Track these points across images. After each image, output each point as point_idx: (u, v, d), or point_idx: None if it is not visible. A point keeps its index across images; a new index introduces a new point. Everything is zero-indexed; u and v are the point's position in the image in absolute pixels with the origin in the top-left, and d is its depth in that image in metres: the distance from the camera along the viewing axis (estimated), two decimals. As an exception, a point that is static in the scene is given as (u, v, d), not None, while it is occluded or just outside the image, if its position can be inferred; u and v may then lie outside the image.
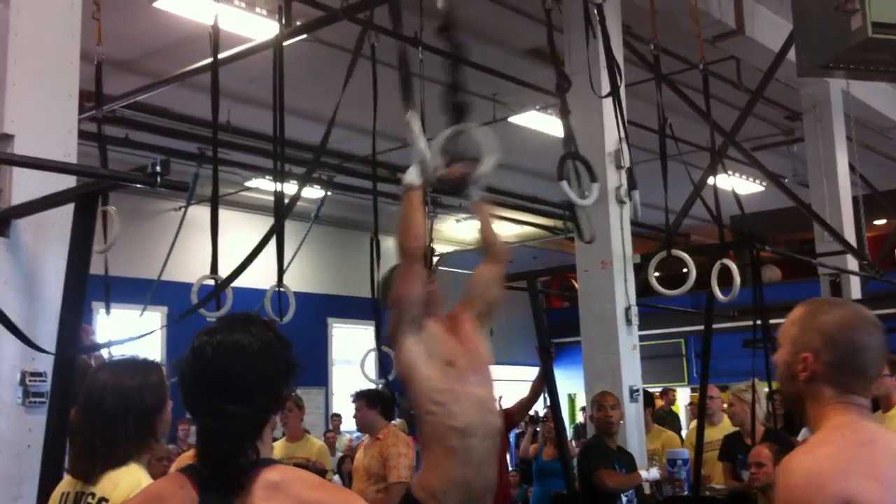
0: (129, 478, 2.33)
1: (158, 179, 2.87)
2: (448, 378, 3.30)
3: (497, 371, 7.50)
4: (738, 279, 5.76)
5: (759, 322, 5.90)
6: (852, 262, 8.94)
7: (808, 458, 1.90)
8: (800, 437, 7.82)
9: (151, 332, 4.49)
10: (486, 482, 3.33)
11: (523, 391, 6.86)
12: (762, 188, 13.53)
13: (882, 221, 14.83)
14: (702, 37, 6.61)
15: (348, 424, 13.22)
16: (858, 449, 1.90)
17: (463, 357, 3.39)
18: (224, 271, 5.29)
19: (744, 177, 13.23)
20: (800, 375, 2.01)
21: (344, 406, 14.17)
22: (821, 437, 1.96)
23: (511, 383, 12.02)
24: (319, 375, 15.19)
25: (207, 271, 5.36)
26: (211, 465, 1.83)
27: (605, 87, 6.30)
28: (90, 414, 2.39)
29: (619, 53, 6.52)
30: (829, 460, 1.87)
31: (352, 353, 15.51)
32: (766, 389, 6.30)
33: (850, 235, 9.22)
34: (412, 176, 3.30)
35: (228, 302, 5.30)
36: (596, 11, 5.42)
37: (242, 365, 1.84)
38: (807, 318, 2.06)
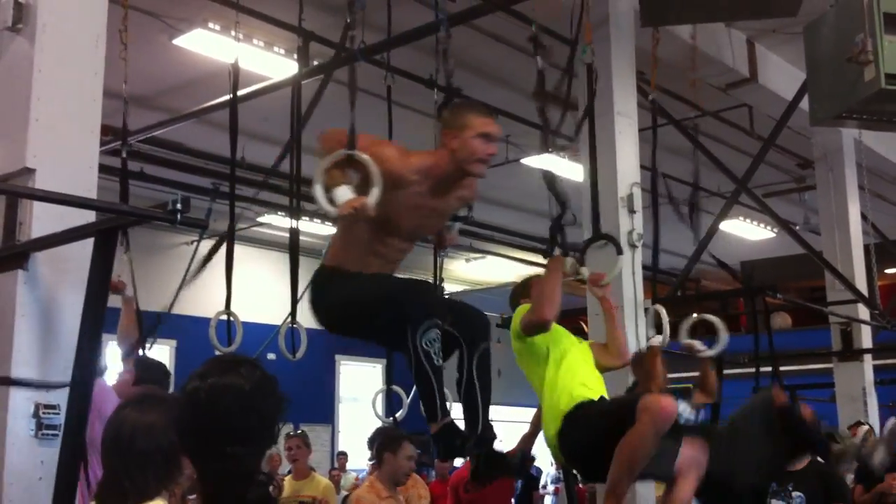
0: None
1: (179, 216, 2.89)
2: None
3: (502, 412, 7.47)
4: (724, 333, 5.80)
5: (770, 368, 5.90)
6: (863, 311, 8.91)
7: None
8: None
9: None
10: None
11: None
12: (773, 234, 13.52)
13: (893, 270, 14.80)
14: (694, 75, 6.67)
15: (354, 462, 13.15)
16: None
17: None
18: (237, 306, 5.30)
19: (755, 223, 13.24)
20: None
21: (350, 444, 14.10)
22: None
23: (516, 425, 11.90)
24: (326, 412, 15.13)
25: (217, 306, 5.36)
26: None
27: (618, 131, 6.36)
28: (121, 454, 2.39)
29: (631, 100, 6.58)
30: None
31: (358, 390, 15.45)
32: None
33: (861, 284, 9.19)
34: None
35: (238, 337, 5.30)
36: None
37: (238, 407, 1.85)
38: None
